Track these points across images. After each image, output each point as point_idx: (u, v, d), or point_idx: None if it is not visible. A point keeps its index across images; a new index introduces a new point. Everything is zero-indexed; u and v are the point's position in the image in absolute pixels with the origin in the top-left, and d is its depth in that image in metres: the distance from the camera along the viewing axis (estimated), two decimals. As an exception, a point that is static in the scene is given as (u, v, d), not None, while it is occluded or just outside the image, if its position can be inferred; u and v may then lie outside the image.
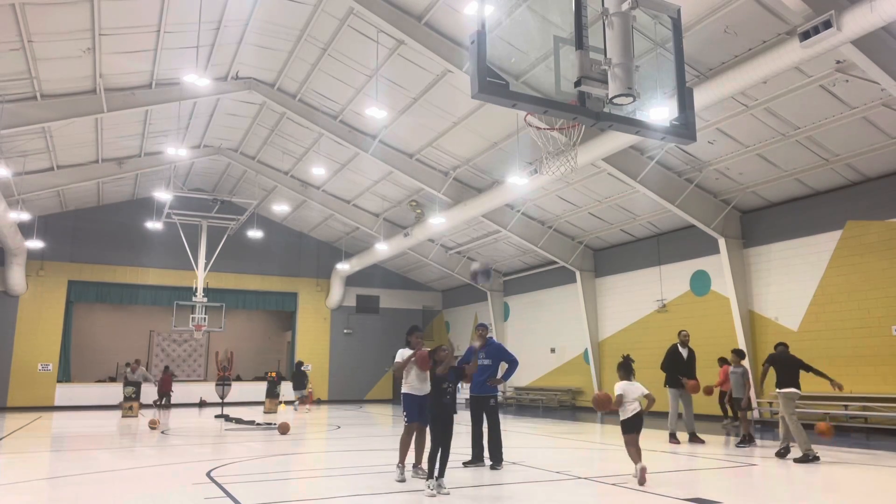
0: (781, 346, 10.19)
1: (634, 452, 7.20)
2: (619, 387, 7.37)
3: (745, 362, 11.89)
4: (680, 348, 11.84)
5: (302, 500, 6.72)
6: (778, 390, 9.65)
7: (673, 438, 11.38)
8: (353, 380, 28.93)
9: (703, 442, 11.27)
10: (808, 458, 8.91)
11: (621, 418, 7.34)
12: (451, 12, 12.84)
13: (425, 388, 7.48)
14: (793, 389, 9.46)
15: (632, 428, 7.27)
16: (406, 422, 7.67)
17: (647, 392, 7.31)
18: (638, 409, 7.27)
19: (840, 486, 7.47)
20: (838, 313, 14.06)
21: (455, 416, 6.99)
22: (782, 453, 9.41)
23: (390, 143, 18.73)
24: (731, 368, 11.44)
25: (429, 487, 6.55)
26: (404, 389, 7.76)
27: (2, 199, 17.62)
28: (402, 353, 7.86)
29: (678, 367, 11.71)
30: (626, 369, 7.43)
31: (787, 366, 9.71)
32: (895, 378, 12.92)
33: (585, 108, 4.98)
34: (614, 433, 13.66)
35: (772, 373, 9.96)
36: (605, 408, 7.38)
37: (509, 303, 26.08)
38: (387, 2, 13.01)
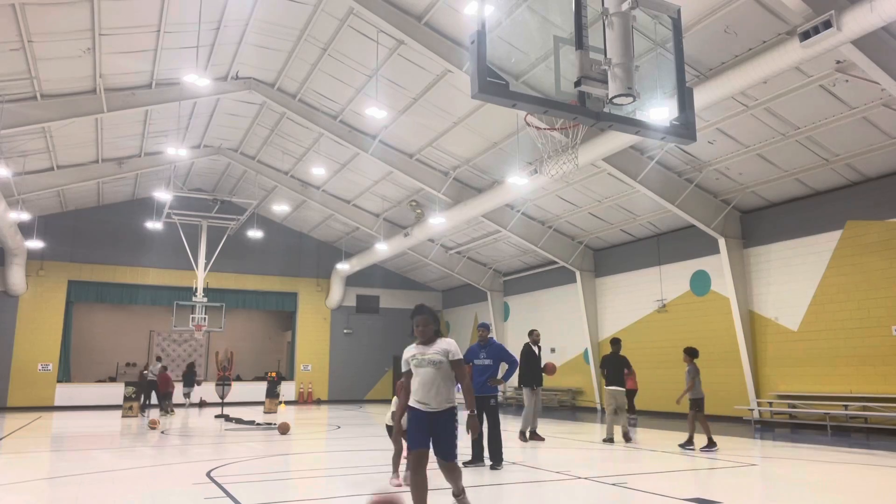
0: (615, 346, 12.28)
1: None
2: None
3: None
4: (532, 347, 11.93)
5: (302, 500, 6.72)
6: (607, 387, 11.86)
7: (523, 436, 11.56)
8: (353, 380, 28.94)
9: (542, 439, 11.83)
10: (610, 440, 11.61)
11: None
12: (451, 12, 12.84)
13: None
14: (618, 388, 11.72)
15: None
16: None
17: None
18: None
19: (840, 486, 7.46)
20: (838, 313, 14.05)
21: None
22: (617, 439, 11.63)
23: (390, 143, 18.73)
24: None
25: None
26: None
27: (2, 199, 17.62)
28: (406, 351, 5.21)
29: (532, 366, 11.76)
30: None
31: (616, 366, 11.88)
32: (895, 378, 12.92)
33: (585, 108, 4.97)
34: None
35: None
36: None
37: (509, 303, 26.08)
38: (387, 2, 13.01)
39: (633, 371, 15.49)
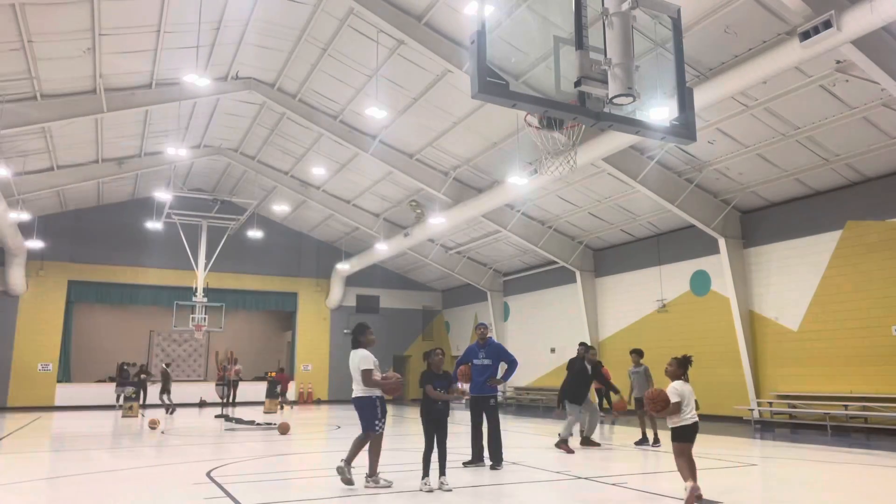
0: (581, 348, 11.92)
1: (687, 467, 5.90)
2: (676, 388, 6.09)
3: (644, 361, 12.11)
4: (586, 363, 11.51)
5: (302, 500, 6.73)
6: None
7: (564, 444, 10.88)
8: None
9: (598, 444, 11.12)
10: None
11: (676, 424, 5.98)
12: (451, 12, 12.83)
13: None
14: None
15: (688, 436, 5.97)
16: (380, 430, 7.11)
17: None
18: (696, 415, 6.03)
19: (840, 486, 7.47)
20: (838, 313, 14.05)
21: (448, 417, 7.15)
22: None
23: (390, 143, 18.73)
24: (631, 369, 11.82)
25: (426, 485, 6.74)
26: (376, 393, 7.17)
27: (2, 199, 17.62)
28: (366, 358, 7.31)
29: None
30: (684, 367, 6.20)
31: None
32: (895, 378, 12.92)
33: (585, 108, 4.97)
34: (613, 432, 13.65)
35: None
36: (661, 409, 5.91)
37: (509, 303, 26.08)
38: (387, 2, 13.01)
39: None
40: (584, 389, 10.88)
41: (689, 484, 5.77)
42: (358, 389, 7.20)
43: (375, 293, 30.13)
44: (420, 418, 7.13)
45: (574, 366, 11.11)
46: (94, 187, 23.07)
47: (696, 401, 6.01)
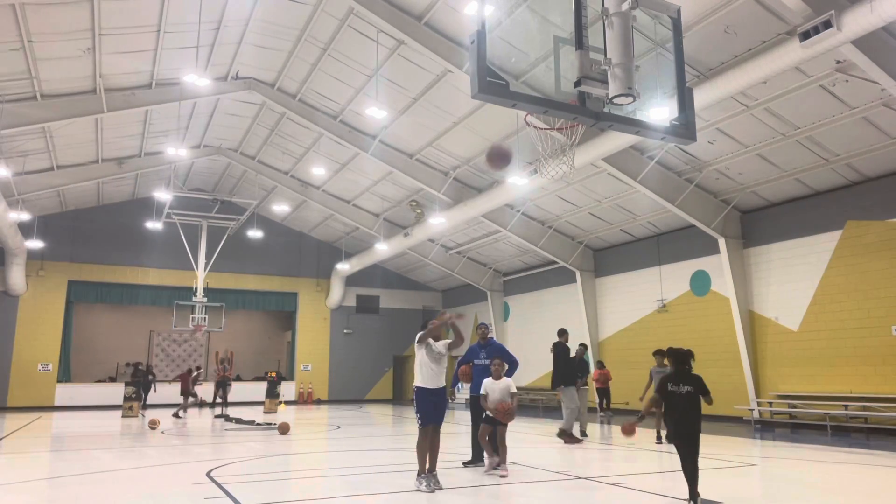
0: (581, 348, 13.34)
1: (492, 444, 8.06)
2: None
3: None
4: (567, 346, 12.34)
5: (302, 500, 6.73)
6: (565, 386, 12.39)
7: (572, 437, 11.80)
8: (352, 380, 28.93)
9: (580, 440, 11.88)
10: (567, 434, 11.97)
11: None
12: (451, 12, 12.84)
13: (440, 381, 7.00)
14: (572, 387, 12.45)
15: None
16: (420, 425, 6.90)
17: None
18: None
19: (840, 486, 7.47)
20: (838, 313, 14.05)
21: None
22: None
23: (390, 143, 18.73)
24: (655, 368, 11.97)
25: None
26: (417, 382, 7.01)
27: (2, 199, 17.61)
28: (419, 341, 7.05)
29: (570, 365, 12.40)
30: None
31: (580, 369, 12.86)
32: (895, 378, 12.92)
33: (585, 108, 4.97)
34: (615, 433, 13.66)
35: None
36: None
37: (509, 303, 26.08)
38: (387, 2, 13.01)
39: (604, 370, 16.50)
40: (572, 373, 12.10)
41: (495, 459, 7.93)
42: None
43: (375, 293, 30.14)
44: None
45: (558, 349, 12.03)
46: (94, 187, 23.07)
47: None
